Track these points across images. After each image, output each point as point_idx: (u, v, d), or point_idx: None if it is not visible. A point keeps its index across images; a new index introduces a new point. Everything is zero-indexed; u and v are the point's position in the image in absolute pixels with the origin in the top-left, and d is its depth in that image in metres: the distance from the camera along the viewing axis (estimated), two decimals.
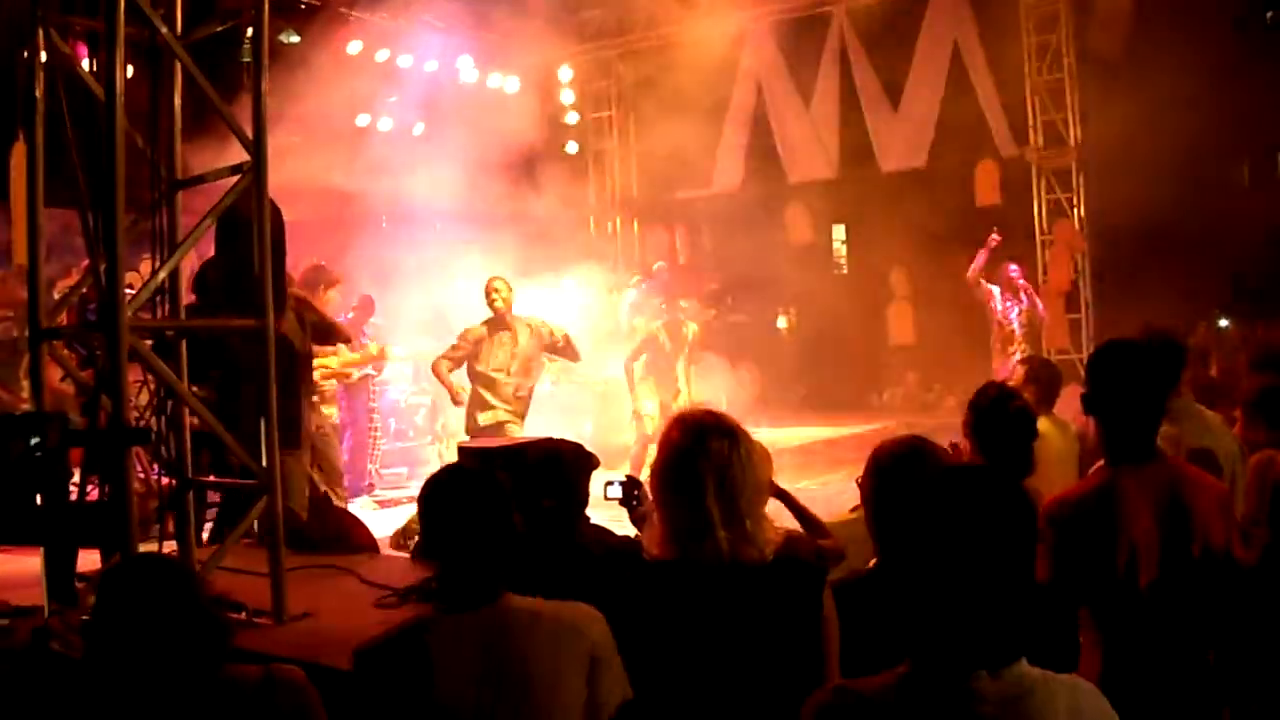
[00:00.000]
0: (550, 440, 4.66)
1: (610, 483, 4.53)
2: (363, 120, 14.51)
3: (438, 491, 3.05)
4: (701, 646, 3.06)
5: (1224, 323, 16.47)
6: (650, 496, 3.74)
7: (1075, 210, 15.23)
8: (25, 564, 5.27)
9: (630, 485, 4.46)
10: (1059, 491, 3.85)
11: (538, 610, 2.96)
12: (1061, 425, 5.91)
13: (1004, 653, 2.11)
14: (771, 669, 3.05)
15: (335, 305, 9.38)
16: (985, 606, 2.11)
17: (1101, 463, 3.71)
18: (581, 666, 2.91)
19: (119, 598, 2.94)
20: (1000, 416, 4.23)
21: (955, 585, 2.12)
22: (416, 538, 6.24)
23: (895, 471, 3.47)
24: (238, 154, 5.15)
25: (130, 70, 4.78)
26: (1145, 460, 3.64)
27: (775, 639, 3.06)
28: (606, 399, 13.69)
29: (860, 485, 3.60)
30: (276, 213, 5.12)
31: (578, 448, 4.55)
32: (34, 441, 3.96)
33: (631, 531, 4.53)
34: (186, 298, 6.11)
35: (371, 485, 12.29)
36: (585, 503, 4.36)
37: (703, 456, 3.12)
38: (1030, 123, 15.17)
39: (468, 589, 2.94)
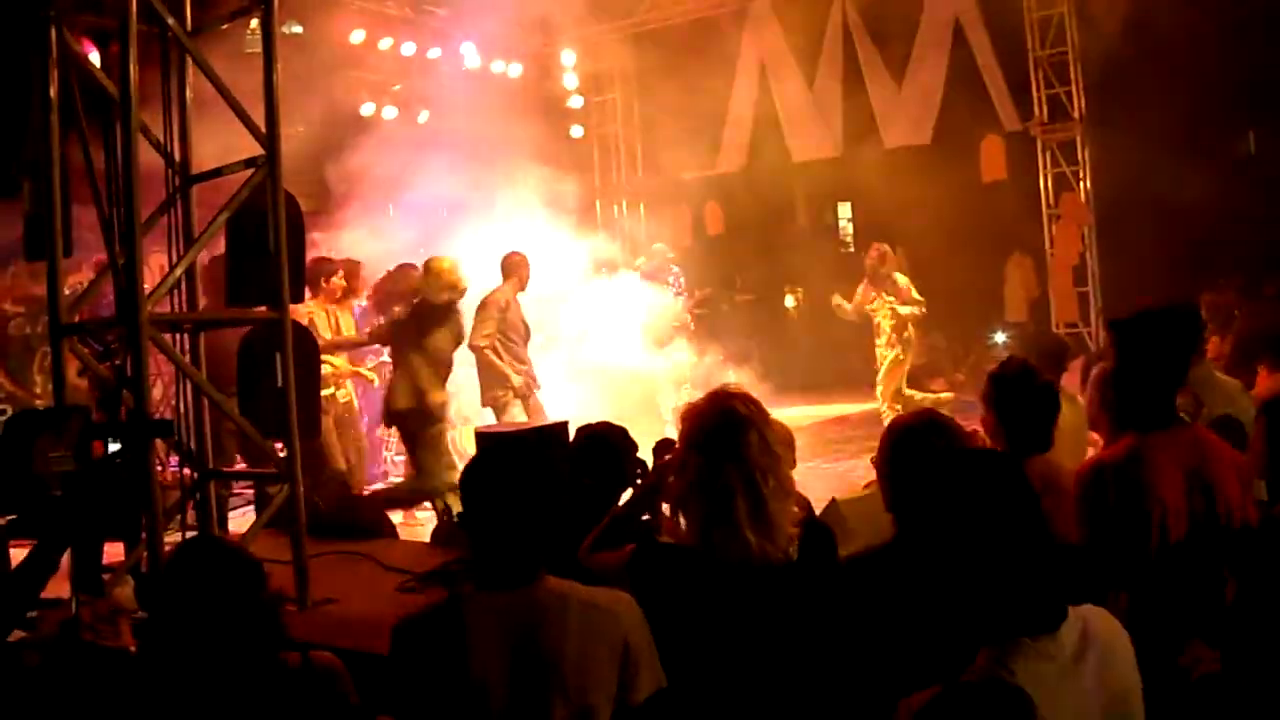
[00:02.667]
0: (598, 423, 4.74)
1: None
2: (367, 109, 14.53)
3: (478, 474, 3.08)
4: (723, 641, 3.10)
5: (1228, 295, 16.43)
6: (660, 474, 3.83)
7: (1081, 184, 15.21)
8: None
9: (634, 465, 4.53)
10: (1068, 464, 3.91)
11: (573, 594, 2.99)
12: (1069, 398, 5.95)
13: (1066, 604, 2.27)
14: (789, 665, 3.09)
15: (338, 293, 9.38)
16: (1029, 572, 2.24)
17: (1103, 431, 3.79)
18: (614, 653, 2.92)
19: (190, 579, 3.03)
20: (1023, 392, 4.24)
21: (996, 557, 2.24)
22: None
23: (910, 445, 3.52)
24: (235, 143, 5.22)
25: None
26: (1169, 425, 3.73)
27: (797, 637, 3.10)
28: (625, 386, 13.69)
29: (875, 462, 3.66)
30: (294, 203, 5.18)
31: (617, 429, 4.62)
32: (114, 448, 3.99)
33: None
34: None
35: (386, 473, 12.36)
36: (626, 483, 4.43)
37: (732, 456, 3.15)
38: (1034, 97, 15.14)
39: (505, 569, 2.98)
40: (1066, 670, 2.21)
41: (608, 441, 4.49)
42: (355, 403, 9.89)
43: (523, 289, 10.13)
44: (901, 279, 13.42)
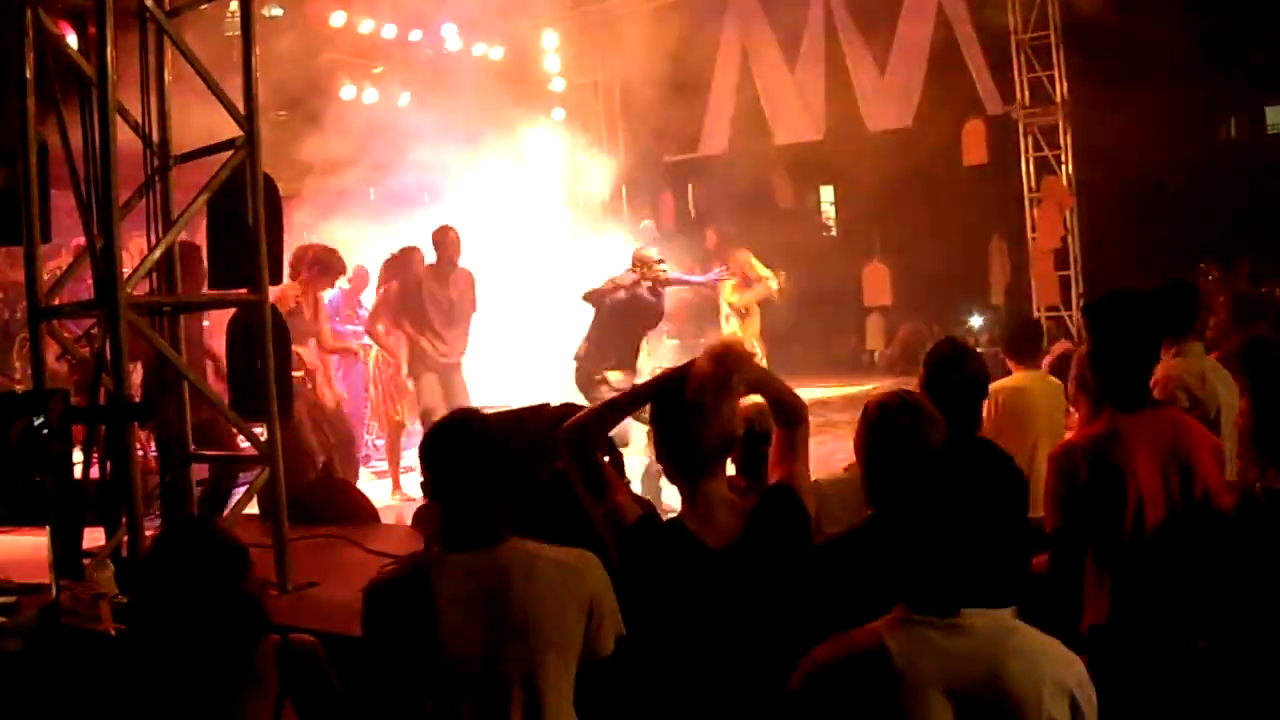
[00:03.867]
0: (565, 405, 4.71)
1: None
2: (348, 92, 14.45)
3: (440, 437, 3.17)
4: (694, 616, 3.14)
5: (1210, 278, 16.51)
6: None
7: (1063, 167, 15.23)
8: (26, 543, 5.32)
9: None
10: (1046, 444, 3.93)
11: (538, 553, 3.07)
12: (1044, 379, 5.97)
13: (994, 598, 2.29)
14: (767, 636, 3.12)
15: (322, 289, 9.36)
16: (976, 555, 2.28)
17: (1079, 410, 3.81)
18: (581, 607, 3.02)
19: (174, 564, 3.06)
20: (946, 379, 4.30)
21: (949, 534, 2.29)
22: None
23: (884, 424, 3.53)
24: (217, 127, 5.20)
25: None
26: (1144, 407, 3.75)
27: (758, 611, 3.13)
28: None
29: (855, 442, 3.66)
30: (271, 185, 5.16)
31: (571, 409, 4.59)
32: (38, 421, 3.98)
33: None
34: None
35: (368, 456, 12.33)
36: None
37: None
38: (1016, 80, 15.15)
39: (469, 530, 3.05)
40: (954, 649, 2.24)
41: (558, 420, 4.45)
42: (336, 387, 9.82)
43: (450, 265, 10.11)
44: (743, 257, 13.15)
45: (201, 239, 9.51)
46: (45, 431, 4.03)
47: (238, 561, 3.14)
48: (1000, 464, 2.39)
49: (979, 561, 2.29)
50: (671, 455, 3.21)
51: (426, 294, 9.91)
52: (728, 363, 3.22)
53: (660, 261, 9.97)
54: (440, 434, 3.19)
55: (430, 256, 10.35)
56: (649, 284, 9.66)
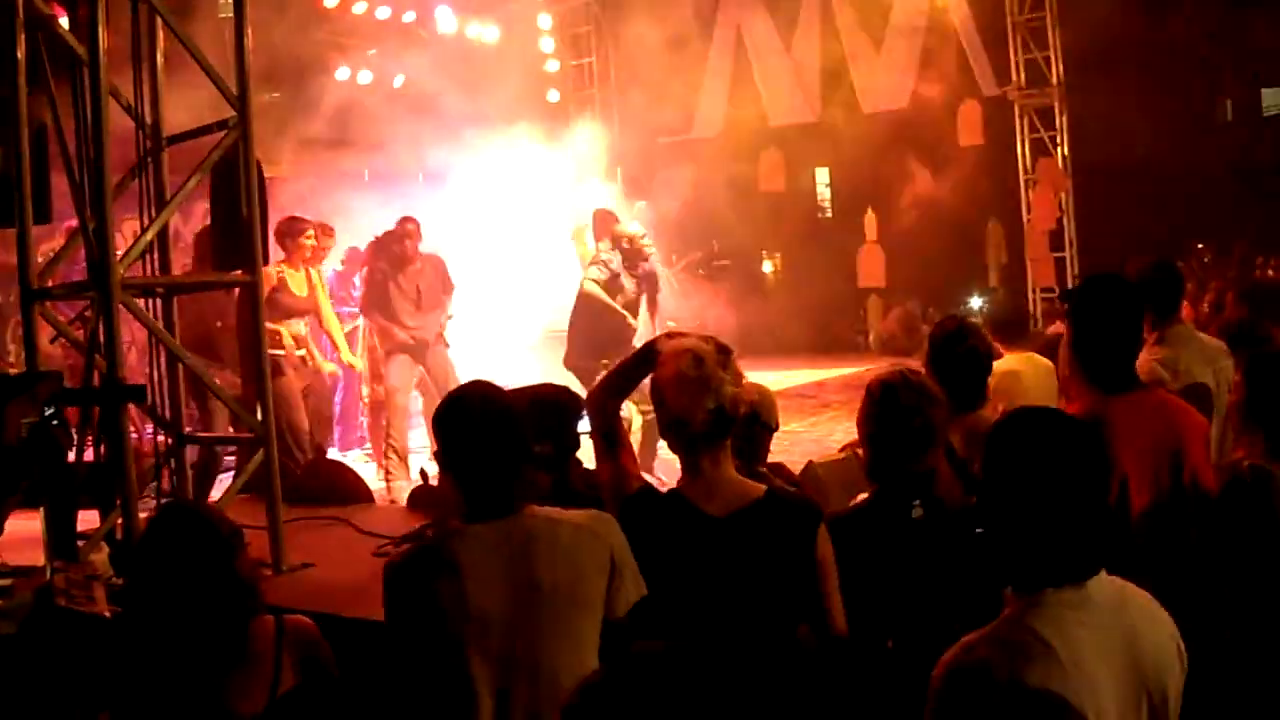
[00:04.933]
0: (542, 385, 4.70)
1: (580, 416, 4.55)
2: (342, 74, 14.41)
3: (457, 407, 3.15)
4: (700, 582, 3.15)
5: (1205, 260, 16.53)
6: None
7: (1058, 149, 15.23)
8: (20, 524, 5.31)
9: None
10: None
11: (558, 518, 3.08)
12: (1033, 360, 5.97)
13: (1101, 561, 2.29)
14: (764, 606, 3.14)
15: (308, 250, 9.30)
16: (1092, 520, 2.29)
17: (1074, 393, 3.80)
18: (602, 568, 3.03)
19: (167, 546, 3.07)
20: (951, 353, 4.34)
21: (1069, 505, 2.27)
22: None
23: (888, 402, 3.53)
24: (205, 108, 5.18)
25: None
26: (1131, 388, 3.75)
27: (773, 577, 3.15)
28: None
29: (858, 421, 3.66)
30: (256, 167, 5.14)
31: (564, 390, 4.58)
32: (49, 412, 3.98)
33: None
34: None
35: (363, 438, 12.33)
36: (577, 445, 4.40)
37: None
38: (1012, 62, 15.14)
39: (488, 500, 3.04)
40: (1096, 624, 2.21)
41: (550, 404, 4.44)
42: (327, 368, 9.78)
43: (407, 259, 10.05)
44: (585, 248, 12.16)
45: (195, 221, 9.54)
46: (55, 423, 4.02)
47: (231, 543, 3.14)
48: (1077, 425, 2.41)
49: (1096, 525, 2.29)
50: (669, 426, 3.25)
51: (392, 285, 9.90)
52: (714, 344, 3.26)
53: (643, 237, 9.80)
54: (457, 404, 3.17)
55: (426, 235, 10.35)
56: (629, 263, 9.59)
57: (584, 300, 9.64)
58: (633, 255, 9.70)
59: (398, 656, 3.07)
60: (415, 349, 9.96)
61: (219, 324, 8.27)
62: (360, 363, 10.76)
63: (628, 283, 9.71)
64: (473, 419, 3.09)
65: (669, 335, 3.48)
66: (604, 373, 3.86)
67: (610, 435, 3.43)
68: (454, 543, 3.03)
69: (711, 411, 3.17)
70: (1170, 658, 2.28)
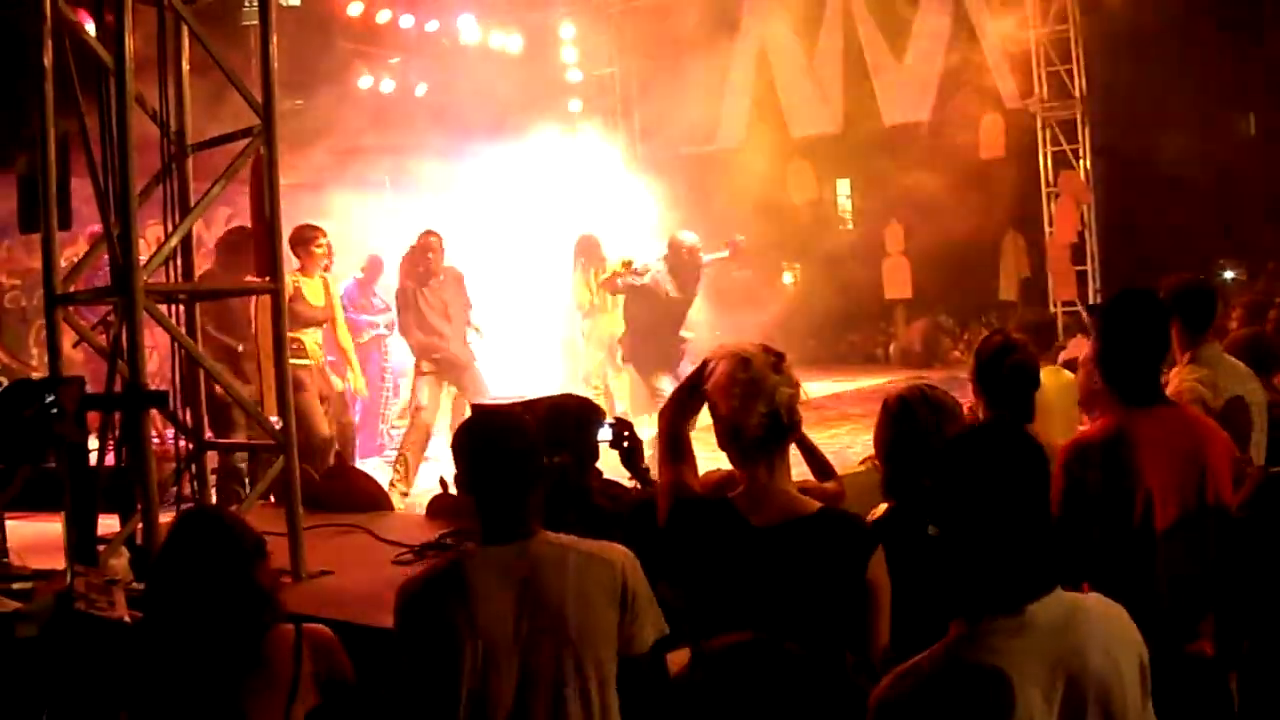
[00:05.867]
0: (559, 395, 4.71)
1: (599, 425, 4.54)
2: (365, 82, 14.47)
3: (474, 431, 3.18)
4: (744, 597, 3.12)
5: (1229, 274, 16.47)
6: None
7: (1081, 162, 15.18)
8: (41, 529, 5.34)
9: (620, 427, 4.47)
10: (1061, 438, 3.90)
11: (570, 545, 3.07)
12: (1056, 374, 5.95)
13: (1044, 582, 2.27)
14: (808, 624, 3.09)
15: (323, 258, 9.31)
16: (1027, 546, 2.26)
17: (1099, 409, 3.78)
18: (613, 599, 3.00)
19: (189, 552, 3.08)
20: (999, 367, 4.29)
21: (992, 529, 2.27)
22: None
23: (905, 418, 3.51)
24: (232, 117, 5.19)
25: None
26: (1155, 403, 3.73)
27: (815, 594, 3.08)
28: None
29: (875, 436, 3.65)
30: None
31: (583, 400, 4.59)
32: (49, 399, 4.00)
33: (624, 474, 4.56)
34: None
35: (382, 445, 12.36)
36: (596, 455, 4.40)
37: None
38: (1035, 74, 15.10)
39: (502, 524, 3.05)
40: (1031, 649, 2.21)
41: (569, 414, 4.44)
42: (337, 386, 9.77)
43: (430, 273, 10.08)
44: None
45: (218, 228, 9.55)
46: (54, 412, 4.04)
47: (252, 551, 3.15)
48: (1021, 443, 2.37)
49: (1031, 552, 2.27)
50: (725, 435, 3.18)
51: (421, 301, 9.94)
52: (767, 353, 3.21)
53: (699, 249, 10.19)
54: (474, 428, 3.20)
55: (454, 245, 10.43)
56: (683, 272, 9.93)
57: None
58: (690, 264, 10.06)
59: (408, 678, 3.06)
60: (446, 367, 9.99)
61: (240, 348, 8.26)
62: (362, 386, 10.65)
63: (673, 290, 10.03)
64: (487, 446, 3.11)
65: (720, 346, 3.43)
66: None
67: (675, 447, 3.36)
68: (466, 565, 3.04)
69: (765, 415, 3.08)
70: (1118, 674, 2.26)
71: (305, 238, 8.97)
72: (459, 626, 2.94)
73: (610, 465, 4.53)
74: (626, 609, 3.01)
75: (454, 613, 2.96)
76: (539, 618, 2.94)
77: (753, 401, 3.09)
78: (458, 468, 3.16)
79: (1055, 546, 2.32)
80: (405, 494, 9.34)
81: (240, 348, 8.22)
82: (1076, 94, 14.96)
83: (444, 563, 3.17)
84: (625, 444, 4.41)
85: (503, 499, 3.06)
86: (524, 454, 3.09)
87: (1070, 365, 6.24)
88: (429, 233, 10.07)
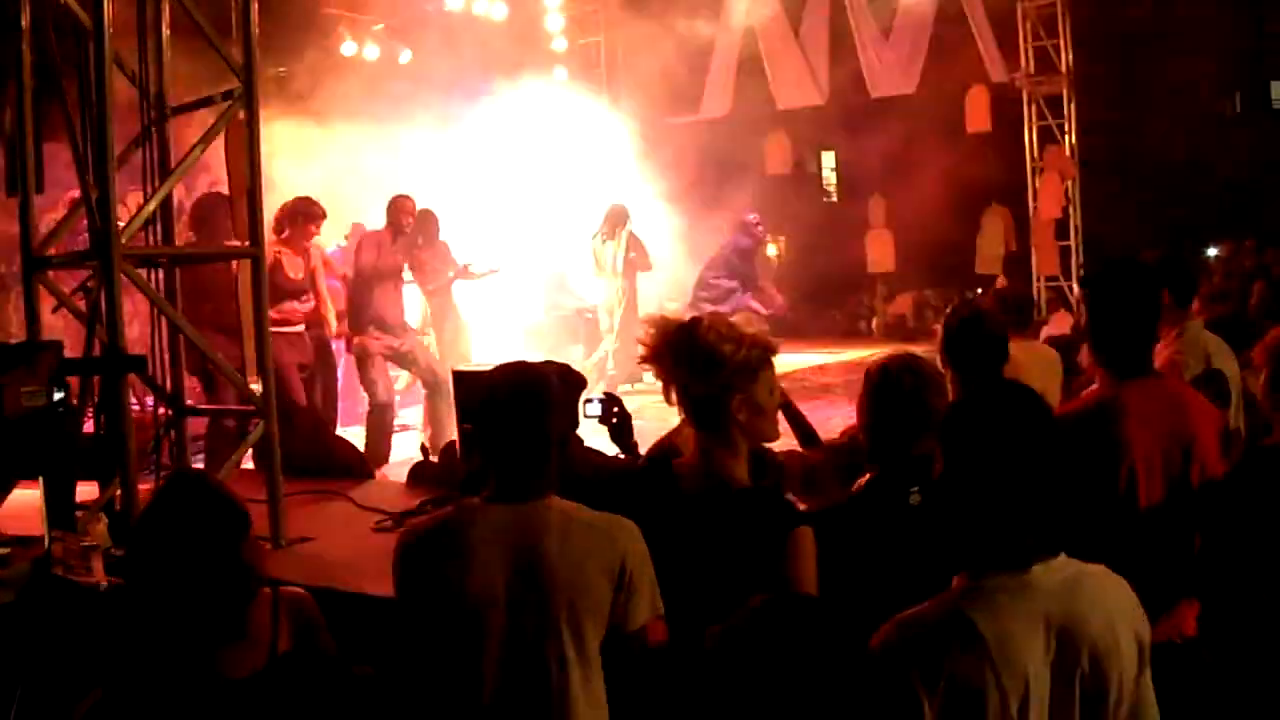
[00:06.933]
0: (542, 363, 4.69)
1: (588, 400, 4.53)
2: (348, 49, 14.36)
3: (492, 387, 3.15)
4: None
5: (1212, 250, 16.49)
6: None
7: (1066, 137, 15.18)
8: (20, 495, 5.31)
9: (609, 402, 4.45)
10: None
11: (575, 514, 3.03)
12: (1033, 349, 5.95)
13: (1053, 545, 2.31)
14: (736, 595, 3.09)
15: (312, 238, 9.25)
16: (1037, 505, 2.29)
17: (1097, 380, 3.77)
18: (609, 573, 2.96)
19: (176, 517, 3.06)
20: (966, 339, 4.29)
21: (1013, 488, 2.29)
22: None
23: (886, 386, 3.51)
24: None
25: None
26: (1145, 376, 3.72)
27: (728, 568, 3.07)
28: (593, 325, 13.75)
29: (857, 406, 3.64)
30: None
31: (565, 368, 4.56)
32: (58, 396, 3.97)
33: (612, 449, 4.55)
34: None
35: (364, 414, 12.31)
36: (576, 424, 4.39)
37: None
38: (1021, 48, 15.08)
39: (509, 483, 3.03)
40: (1033, 610, 2.23)
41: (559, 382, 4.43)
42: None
43: (400, 233, 10.06)
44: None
45: (197, 192, 9.48)
46: (61, 410, 4.01)
47: (237, 523, 3.12)
48: (1034, 403, 2.40)
49: (1039, 511, 2.29)
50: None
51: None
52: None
53: (758, 224, 11.66)
54: (495, 384, 3.17)
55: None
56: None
57: None
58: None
59: (405, 629, 3.06)
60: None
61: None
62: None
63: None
64: (505, 402, 3.08)
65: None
66: None
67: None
68: (465, 520, 3.03)
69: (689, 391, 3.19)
70: (1116, 644, 2.27)
71: (306, 212, 8.90)
72: (451, 580, 2.94)
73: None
74: (623, 585, 2.97)
75: (447, 567, 2.95)
76: (530, 581, 2.92)
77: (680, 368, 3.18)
78: (469, 423, 3.14)
79: (1063, 509, 2.33)
80: None
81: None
82: (1063, 69, 14.95)
83: (443, 516, 3.14)
84: (614, 419, 4.40)
85: (510, 458, 3.04)
86: (537, 412, 3.06)
87: (1057, 341, 6.25)
88: (405, 198, 10.09)
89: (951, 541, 2.36)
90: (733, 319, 3.36)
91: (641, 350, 3.33)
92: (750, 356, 3.18)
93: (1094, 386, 3.84)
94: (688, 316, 3.34)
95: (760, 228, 12.98)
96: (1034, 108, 15.29)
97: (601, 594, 2.95)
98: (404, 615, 3.07)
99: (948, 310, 4.65)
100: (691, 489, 3.19)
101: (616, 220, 12.94)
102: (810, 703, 2.37)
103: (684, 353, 3.20)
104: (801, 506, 3.39)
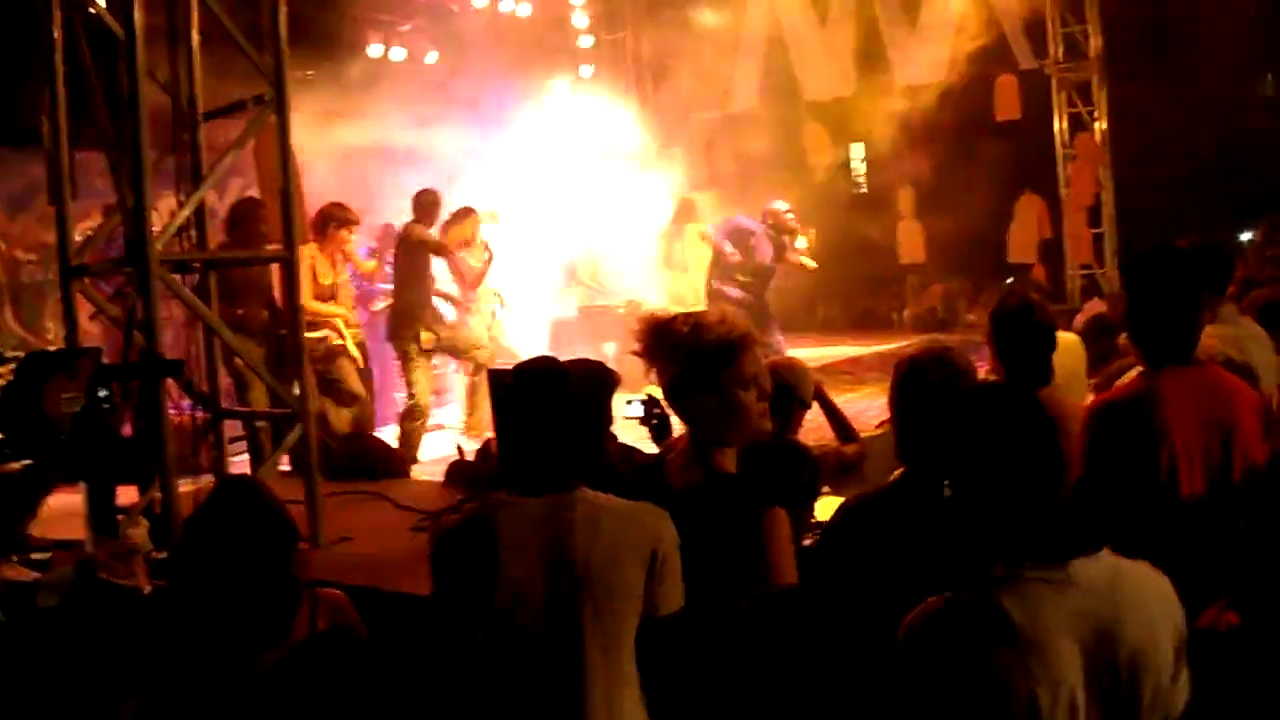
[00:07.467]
0: (574, 361, 4.70)
1: (629, 401, 4.54)
2: (375, 51, 14.40)
3: (518, 381, 3.18)
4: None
5: (1246, 235, 16.33)
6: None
7: (1096, 124, 15.07)
8: (61, 499, 5.36)
9: (650, 404, 4.47)
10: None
11: (606, 503, 3.05)
12: (1060, 337, 5.92)
13: (1088, 542, 2.27)
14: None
15: (345, 244, 9.29)
16: (1077, 501, 2.33)
17: (1138, 368, 3.75)
18: (641, 559, 2.97)
19: (227, 523, 3.08)
20: (1018, 328, 4.25)
21: (1054, 483, 2.28)
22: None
23: (915, 380, 3.50)
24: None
25: None
26: (1185, 363, 3.69)
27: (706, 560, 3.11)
28: (629, 321, 13.75)
29: (888, 400, 3.64)
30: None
31: (599, 366, 4.58)
32: (103, 394, 4.02)
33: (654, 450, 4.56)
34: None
35: (399, 414, 12.36)
36: (610, 421, 4.40)
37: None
38: (1050, 35, 14.97)
39: (537, 476, 3.05)
40: (1071, 605, 2.20)
41: (583, 380, 4.44)
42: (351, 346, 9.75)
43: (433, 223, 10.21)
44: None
45: (231, 197, 9.55)
46: (107, 406, 4.05)
47: (286, 534, 3.14)
48: (1033, 409, 2.37)
49: (1080, 507, 2.30)
50: None
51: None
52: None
53: (788, 213, 11.37)
54: (520, 376, 3.19)
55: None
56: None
57: None
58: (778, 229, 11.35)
59: (442, 625, 3.08)
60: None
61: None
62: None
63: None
64: (524, 396, 3.11)
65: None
66: None
67: None
68: (499, 513, 3.04)
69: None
70: (1155, 642, 2.25)
71: (338, 219, 8.95)
72: (484, 575, 2.96)
73: None
74: (655, 571, 2.99)
75: (480, 562, 2.97)
76: (564, 572, 2.94)
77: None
78: (498, 416, 3.17)
79: (1089, 506, 2.32)
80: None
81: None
82: (1092, 55, 14.83)
83: (476, 511, 3.17)
84: (655, 420, 4.42)
85: (536, 450, 3.06)
86: (561, 405, 3.08)
87: (1098, 321, 6.17)
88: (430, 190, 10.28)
89: (982, 535, 2.33)
90: (716, 311, 3.43)
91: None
92: (722, 346, 3.27)
93: (1131, 375, 3.82)
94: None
95: (788, 215, 12.73)
96: (1064, 94, 15.18)
97: (635, 581, 2.97)
98: (441, 613, 3.09)
99: (980, 300, 4.64)
100: (678, 483, 3.25)
101: (685, 214, 12.99)
102: (806, 699, 2.36)
103: (663, 347, 3.25)
104: (837, 500, 3.41)
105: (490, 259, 10.87)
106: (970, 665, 2.17)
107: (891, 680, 2.26)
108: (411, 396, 9.95)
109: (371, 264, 10.71)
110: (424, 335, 9.84)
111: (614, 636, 2.96)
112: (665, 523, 3.04)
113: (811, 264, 11.75)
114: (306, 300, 8.50)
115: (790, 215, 11.24)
